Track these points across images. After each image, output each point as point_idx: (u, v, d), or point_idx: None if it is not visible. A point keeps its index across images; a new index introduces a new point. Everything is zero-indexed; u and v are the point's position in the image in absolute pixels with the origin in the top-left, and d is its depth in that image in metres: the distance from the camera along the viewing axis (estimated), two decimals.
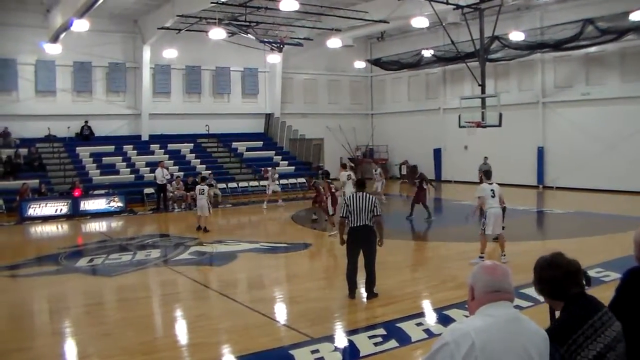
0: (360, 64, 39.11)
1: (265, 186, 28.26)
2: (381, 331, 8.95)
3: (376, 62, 38.30)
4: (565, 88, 30.25)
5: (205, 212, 19.68)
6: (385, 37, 38.81)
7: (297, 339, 8.76)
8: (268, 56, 34.79)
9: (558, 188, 29.82)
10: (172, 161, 31.28)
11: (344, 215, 10.86)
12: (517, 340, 3.07)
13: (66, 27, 25.81)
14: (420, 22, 26.78)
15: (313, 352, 8.21)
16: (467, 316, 3.32)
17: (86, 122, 31.63)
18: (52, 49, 28.80)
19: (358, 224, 10.68)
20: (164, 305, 11.60)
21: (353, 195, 10.95)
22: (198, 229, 19.57)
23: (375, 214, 10.77)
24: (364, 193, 10.96)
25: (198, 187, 20.05)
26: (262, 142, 36.45)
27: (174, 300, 11.83)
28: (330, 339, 8.78)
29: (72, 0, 24.17)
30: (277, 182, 27.77)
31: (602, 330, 3.24)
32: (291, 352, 8.24)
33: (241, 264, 14.94)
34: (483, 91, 26.85)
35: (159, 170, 26.39)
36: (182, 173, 29.01)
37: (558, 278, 3.44)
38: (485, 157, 27.20)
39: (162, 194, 26.54)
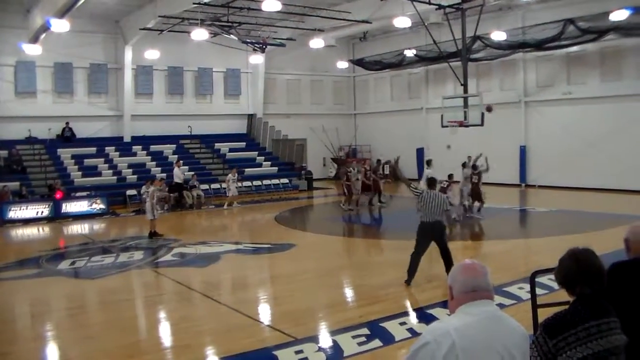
0: (343, 64, 39.14)
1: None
2: (365, 331, 8.95)
3: (359, 62, 38.35)
4: (546, 87, 30.46)
5: (149, 215, 18.78)
6: (367, 37, 38.88)
7: (281, 340, 8.74)
8: (251, 57, 34.70)
9: (540, 186, 30.02)
10: (154, 162, 31.18)
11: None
12: (498, 338, 3.07)
13: (46, 27, 25.58)
14: (402, 22, 26.84)
15: (297, 352, 8.20)
16: (449, 315, 3.31)
17: (67, 123, 31.35)
18: (32, 50, 28.50)
19: (430, 220, 11.67)
20: (147, 307, 11.53)
21: (427, 192, 11.83)
22: (150, 235, 18.85)
23: (446, 209, 11.98)
24: (436, 192, 12.25)
25: (143, 187, 19.83)
26: (244, 143, 36.35)
27: (157, 302, 11.77)
28: (314, 339, 8.77)
29: (52, 1, 23.99)
30: (236, 185, 27.30)
31: (595, 337, 3.20)
32: (275, 352, 8.22)
33: (225, 265, 14.89)
34: (465, 91, 26.91)
35: (176, 169, 27.19)
36: (164, 175, 28.87)
37: (572, 271, 3.42)
38: (469, 157, 27.22)
39: (178, 193, 26.99)
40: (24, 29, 28.52)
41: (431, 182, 12.39)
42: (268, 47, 33.05)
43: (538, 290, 4.22)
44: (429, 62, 33.72)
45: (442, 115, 27.36)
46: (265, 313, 10.83)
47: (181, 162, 28.94)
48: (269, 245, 17.33)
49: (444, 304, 9.81)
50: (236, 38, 31.07)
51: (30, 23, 28.14)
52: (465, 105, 26.19)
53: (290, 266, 14.83)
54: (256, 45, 32.76)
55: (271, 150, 36.65)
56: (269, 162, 34.58)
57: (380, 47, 37.15)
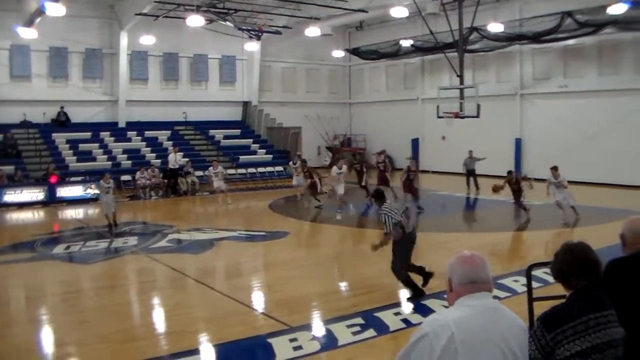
0: (338, 53, 39.07)
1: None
2: (359, 320, 8.96)
3: (355, 52, 38.26)
4: (543, 80, 30.42)
5: (112, 208, 18.27)
6: (364, 27, 38.80)
7: (275, 328, 8.76)
8: (246, 44, 34.60)
9: (536, 179, 29.95)
10: (149, 148, 31.18)
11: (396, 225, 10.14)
12: (497, 331, 3.09)
13: (41, 11, 25.44)
14: (399, 12, 26.82)
15: (291, 340, 8.21)
16: (446, 306, 3.33)
17: (62, 108, 31.28)
18: (27, 34, 28.31)
19: (411, 229, 10.51)
20: (141, 293, 11.55)
21: (391, 205, 10.52)
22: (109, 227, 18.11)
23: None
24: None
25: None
26: (239, 130, 36.32)
27: (151, 288, 11.80)
28: (308, 327, 8.81)
29: None
30: (220, 178, 24.27)
31: (594, 330, 3.20)
32: (269, 340, 8.24)
33: (219, 252, 14.92)
34: (461, 82, 26.94)
35: (171, 155, 27.20)
36: (159, 161, 28.83)
37: (566, 264, 3.43)
38: (470, 151, 27.15)
39: (173, 180, 27.07)
40: (19, 12, 28.31)
41: (380, 195, 10.84)
42: (264, 34, 32.95)
43: (534, 284, 4.25)
44: (425, 52, 33.68)
45: (437, 106, 27.41)
46: (259, 301, 10.86)
47: (178, 148, 28.86)
48: (263, 233, 17.38)
49: (438, 295, 9.86)
50: (232, 25, 30.95)
51: (24, 6, 27.94)
52: (461, 96, 26.24)
53: (285, 254, 14.87)
54: (252, 32, 32.67)
55: (266, 138, 36.61)
56: (264, 150, 34.58)
57: (377, 36, 37.06)
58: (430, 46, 31.25)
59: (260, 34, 32.61)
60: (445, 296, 3.40)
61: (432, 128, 34.16)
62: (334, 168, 21.58)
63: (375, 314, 9.24)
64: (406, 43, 33.57)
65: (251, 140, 35.62)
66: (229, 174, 29.29)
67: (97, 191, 24.98)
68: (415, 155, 36.45)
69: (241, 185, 28.81)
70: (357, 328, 8.67)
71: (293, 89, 39.46)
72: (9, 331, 9.15)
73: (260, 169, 31.79)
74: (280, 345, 8.05)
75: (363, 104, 41.03)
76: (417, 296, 10.14)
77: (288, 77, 39.42)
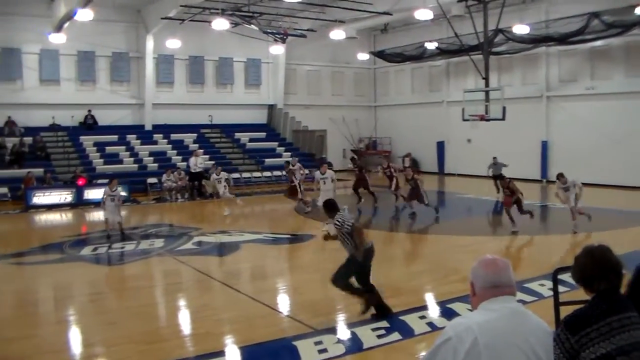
0: (363, 56, 38.99)
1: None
2: (384, 324, 8.94)
3: (379, 54, 38.18)
4: (569, 82, 30.11)
5: (117, 217, 17.43)
6: (388, 29, 38.73)
7: (301, 330, 8.77)
8: (271, 47, 34.70)
9: None
10: (175, 151, 31.37)
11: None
12: (520, 335, 3.08)
13: (70, 16, 25.80)
14: (423, 14, 26.68)
15: (316, 343, 8.22)
16: (470, 310, 3.33)
17: (89, 111, 31.67)
18: (56, 39, 28.77)
19: (370, 244, 9.57)
20: (168, 294, 11.64)
21: (344, 216, 9.59)
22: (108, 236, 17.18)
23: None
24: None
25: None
26: (265, 133, 36.47)
27: (178, 289, 11.88)
28: (333, 330, 8.79)
29: None
30: (224, 184, 22.77)
31: (618, 332, 3.17)
32: (294, 343, 8.25)
33: (245, 255, 14.98)
34: (487, 84, 26.79)
35: (192, 159, 27.29)
36: (185, 163, 29.02)
37: (588, 267, 3.41)
38: (495, 157, 26.92)
39: (195, 182, 27.22)
40: (48, 17, 28.76)
41: (330, 207, 9.82)
42: (289, 37, 33.04)
43: (560, 288, 4.23)
44: (450, 55, 33.51)
45: (463, 109, 27.27)
46: (284, 303, 10.90)
47: (201, 151, 29.03)
48: (288, 236, 17.44)
49: (463, 299, 9.81)
50: (257, 28, 31.07)
51: (54, 12, 28.36)
52: (487, 99, 26.09)
53: (310, 257, 14.91)
54: (277, 35, 32.77)
55: (291, 140, 36.71)
56: (289, 153, 34.60)
57: (401, 39, 36.95)
58: (455, 49, 31.09)
59: (285, 37, 32.68)
60: (470, 300, 3.38)
61: (457, 131, 34.01)
62: (317, 173, 20.37)
63: (400, 317, 9.22)
64: (431, 46, 33.43)
65: (277, 143, 35.72)
66: (255, 177, 29.46)
67: (123, 193, 25.28)
68: (440, 158, 36.40)
69: (266, 188, 28.88)
70: (382, 331, 8.65)
71: (318, 92, 39.48)
72: (38, 331, 9.29)
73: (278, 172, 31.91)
74: (306, 348, 8.06)
75: (388, 106, 40.92)
76: (367, 306, 9.36)
77: (313, 80, 39.46)
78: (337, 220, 9.37)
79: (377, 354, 7.98)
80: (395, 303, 9.94)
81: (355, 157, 30.22)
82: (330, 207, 9.75)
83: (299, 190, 22.01)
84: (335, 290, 11.06)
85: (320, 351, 7.98)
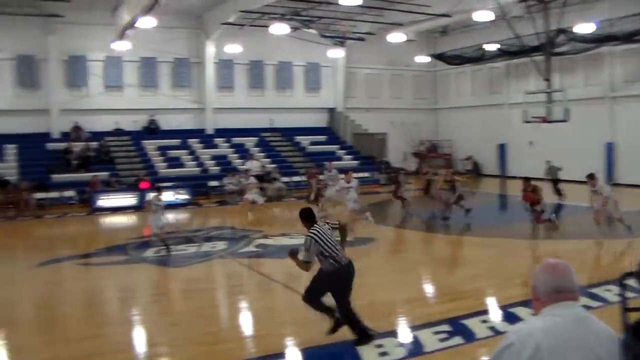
0: (422, 59, 38.67)
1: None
2: (446, 327, 8.87)
3: (439, 57, 37.85)
4: (635, 82, 29.34)
5: (163, 226, 16.01)
6: (447, 31, 38.43)
7: None
8: (330, 51, 34.78)
9: (628, 185, 29.02)
10: (236, 155, 31.69)
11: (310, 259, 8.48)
12: (585, 341, 3.02)
13: (133, 24, 26.34)
14: (483, 15, 26.32)
15: (377, 346, 8.18)
16: (533, 315, 3.28)
17: (152, 116, 32.31)
18: (120, 46, 29.45)
19: (346, 260, 8.62)
20: (229, 296, 11.76)
21: (322, 229, 8.58)
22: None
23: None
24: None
25: (152, 196, 16.81)
26: (325, 137, 36.56)
27: (239, 292, 11.99)
28: (394, 333, 8.77)
29: None
30: (253, 189, 22.40)
31: None
32: (355, 346, 8.22)
33: None
34: (548, 86, 26.35)
35: (248, 163, 27.93)
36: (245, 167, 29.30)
37: None
38: (548, 161, 26.36)
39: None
40: (112, 25, 29.41)
41: (306, 216, 8.80)
42: (348, 41, 33.08)
43: (628, 293, 4.14)
44: (511, 56, 32.99)
45: (524, 111, 26.88)
46: None
47: (256, 155, 29.21)
48: (349, 239, 17.37)
49: (526, 303, 9.64)
50: (316, 32, 31.22)
51: (117, 20, 29.00)
52: (549, 100, 25.67)
53: (371, 260, 14.85)
54: (336, 39, 32.85)
55: (352, 144, 36.71)
56: (350, 156, 34.66)
57: (461, 41, 36.56)
58: (516, 50, 30.64)
59: (344, 40, 32.75)
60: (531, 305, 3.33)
61: (518, 133, 33.47)
62: (341, 181, 19.15)
63: (462, 321, 9.12)
64: (491, 47, 33.01)
65: (337, 146, 35.77)
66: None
67: (186, 196, 25.70)
68: (502, 161, 35.91)
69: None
70: (444, 335, 8.58)
71: (378, 95, 39.35)
72: (104, 330, 9.49)
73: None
74: (367, 351, 8.03)
75: (448, 109, 40.58)
76: (335, 327, 8.51)
77: (372, 83, 39.35)
78: (310, 234, 8.35)
79: (438, 357, 7.91)
80: (456, 306, 9.88)
81: (393, 166, 29.52)
82: (306, 217, 8.75)
83: (316, 197, 21.48)
84: (396, 294, 11.06)
85: (382, 354, 7.96)
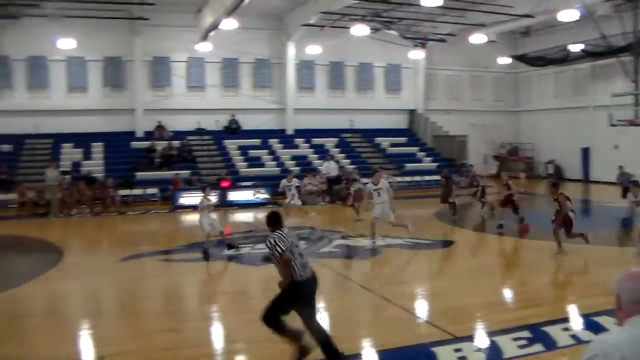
0: (504, 60, 37.96)
1: None
2: (526, 334, 8.60)
3: (521, 58, 37.17)
4: None
5: (216, 227, 16.09)
6: (530, 32, 37.59)
7: (439, 337, 8.58)
8: (411, 52, 34.55)
9: None
10: (316, 155, 31.81)
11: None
12: None
13: (215, 26, 26.82)
14: (568, 15, 25.57)
15: (456, 350, 8.04)
16: (617, 325, 3.13)
17: (233, 116, 32.82)
18: (203, 47, 30.06)
19: (308, 271, 7.92)
20: None
21: (287, 235, 7.79)
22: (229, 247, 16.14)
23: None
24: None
25: (203, 199, 16.33)
26: (405, 138, 36.37)
27: (317, 292, 11.97)
28: (473, 338, 8.57)
29: (221, 0, 25.06)
30: (293, 192, 22.15)
31: None
32: (433, 349, 8.08)
33: (384, 259, 14.95)
34: (636, 87, 25.48)
35: (326, 163, 28.27)
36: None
37: None
38: (621, 166, 25.45)
39: (334, 187, 27.70)
40: (195, 27, 30.04)
41: (272, 220, 7.94)
42: (428, 42, 32.81)
43: None
44: (596, 57, 32.09)
45: (610, 114, 26.07)
46: (423, 309, 10.77)
47: (332, 156, 29.26)
48: (428, 241, 17.19)
49: (611, 312, 9.29)
50: (397, 33, 31.07)
51: (200, 22, 29.58)
52: (636, 103, 24.83)
53: (450, 263, 14.72)
54: (417, 40, 32.62)
55: (432, 145, 36.39)
56: (430, 158, 34.35)
57: (544, 42, 35.74)
58: (602, 50, 29.79)
59: (425, 41, 32.49)
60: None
61: (604, 136, 32.44)
62: (369, 184, 17.79)
63: (543, 328, 8.82)
64: (575, 48, 32.12)
65: (417, 148, 35.56)
66: (395, 182, 29.23)
67: (266, 196, 25.93)
68: (585, 165, 34.93)
69: (407, 193, 28.76)
70: (524, 342, 8.32)
71: (458, 97, 38.92)
72: (183, 325, 9.66)
73: (427, 177, 31.59)
74: (445, 355, 7.90)
75: (530, 111, 39.77)
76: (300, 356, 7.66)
77: (453, 84, 38.95)
78: (270, 240, 7.59)
79: None
80: (535, 313, 9.62)
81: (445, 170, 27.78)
82: (272, 220, 7.92)
83: (353, 202, 21.51)
84: (474, 298, 10.85)
85: (460, 358, 7.83)
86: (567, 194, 15.07)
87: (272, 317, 7.64)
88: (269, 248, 7.59)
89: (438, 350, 8.04)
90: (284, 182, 22.42)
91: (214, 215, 16.53)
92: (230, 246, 15.84)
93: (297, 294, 7.62)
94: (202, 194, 16.71)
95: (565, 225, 14.35)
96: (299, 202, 22.62)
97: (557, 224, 14.42)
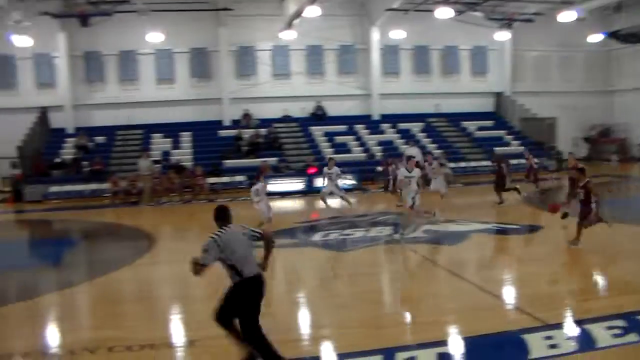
0: (595, 38, 36.65)
1: None
2: (620, 322, 8.31)
3: (613, 35, 35.83)
4: None
5: (267, 213, 16.17)
6: (622, 8, 36.16)
7: (529, 324, 8.44)
8: (497, 33, 33.88)
9: None
10: (402, 140, 31.71)
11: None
12: None
13: (299, 13, 27.01)
14: None
15: (546, 338, 7.87)
16: None
17: (319, 102, 33.03)
18: (287, 35, 30.34)
19: (253, 272, 7.32)
20: (395, 281, 11.82)
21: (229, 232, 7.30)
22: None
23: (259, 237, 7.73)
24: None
25: (253, 188, 16.53)
26: (492, 122, 35.76)
27: (405, 277, 12.03)
28: (563, 326, 8.40)
29: None
30: (335, 181, 20.38)
31: None
32: (523, 336, 7.95)
33: (472, 244, 14.80)
34: None
35: (409, 149, 27.33)
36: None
37: None
38: None
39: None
40: (278, 15, 30.33)
41: (221, 215, 7.44)
42: (515, 22, 32.09)
43: None
44: None
45: None
46: (511, 295, 10.61)
47: (412, 143, 28.96)
48: (516, 226, 16.95)
49: None
50: (482, 15, 30.54)
51: (284, 10, 29.85)
52: None
53: (538, 248, 14.43)
54: (503, 21, 31.96)
55: (520, 129, 35.66)
56: (518, 141, 33.68)
57: (638, 17, 34.38)
58: None
59: (511, 22, 31.80)
60: None
61: None
62: (402, 169, 16.94)
63: (639, 317, 8.54)
64: None
65: (504, 131, 34.93)
66: (482, 166, 28.91)
67: (352, 182, 26.00)
68: None
69: (493, 177, 28.36)
70: (618, 331, 8.07)
71: (547, 78, 37.89)
72: (273, 309, 9.80)
73: (514, 161, 30.97)
74: (535, 342, 7.75)
75: (623, 91, 38.31)
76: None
77: (541, 65, 37.92)
78: (213, 235, 7.17)
79: (611, 354, 7.48)
80: (630, 301, 9.28)
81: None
82: (216, 215, 7.47)
83: (394, 188, 20.60)
84: (565, 284, 10.66)
85: (551, 346, 7.66)
86: None
87: (222, 316, 7.27)
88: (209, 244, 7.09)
89: (528, 337, 7.91)
90: (325, 169, 20.68)
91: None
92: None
93: (238, 293, 7.20)
94: (258, 181, 16.90)
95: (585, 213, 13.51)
96: (339, 192, 20.44)
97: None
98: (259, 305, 7.20)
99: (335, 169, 20.18)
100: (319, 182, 25.71)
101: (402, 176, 16.27)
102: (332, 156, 23.63)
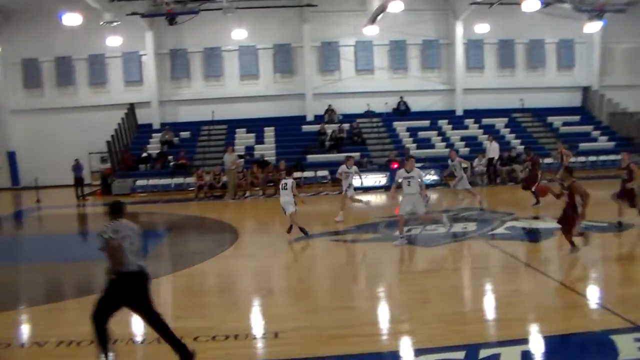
0: None
1: None
2: None
3: None
4: None
5: (290, 208, 15.66)
6: None
7: (618, 325, 8.16)
8: (585, 26, 32.96)
9: None
10: (486, 136, 31.28)
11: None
12: None
13: (383, 9, 27.02)
14: None
15: (637, 340, 7.60)
16: None
17: (402, 97, 32.98)
18: (370, 31, 30.35)
19: (133, 267, 7.20)
20: (478, 277, 11.70)
21: (118, 225, 7.27)
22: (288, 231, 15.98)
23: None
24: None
25: (282, 181, 16.06)
26: (579, 117, 34.92)
27: (488, 273, 11.90)
28: None
29: None
30: (351, 179, 19.22)
31: None
32: (611, 337, 7.70)
33: (558, 242, 14.49)
34: None
35: (488, 145, 27.82)
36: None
37: None
38: None
39: (494, 168, 27.61)
40: (361, 11, 30.43)
41: (114, 209, 7.51)
42: (605, 14, 31.17)
43: None
44: None
45: None
46: (599, 294, 10.29)
47: (492, 137, 28.65)
48: (604, 224, 16.51)
49: None
50: (570, 6, 29.80)
51: (367, 6, 29.91)
52: None
53: (627, 247, 14.08)
54: (592, 12, 31.10)
55: (608, 124, 34.67)
56: (605, 137, 32.79)
57: None
58: None
59: (601, 13, 30.90)
60: None
61: None
62: (400, 171, 14.88)
63: None
64: None
65: (591, 127, 34.04)
66: (570, 162, 28.18)
67: (435, 177, 25.89)
68: None
69: (582, 174, 27.72)
70: None
71: (638, 71, 36.58)
72: (354, 303, 9.98)
73: (602, 157, 30.20)
74: (624, 344, 7.50)
75: None
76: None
77: (633, 58, 36.65)
78: (103, 229, 7.11)
79: None
80: None
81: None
82: (112, 209, 7.53)
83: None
84: None
85: None
86: None
87: (97, 314, 7.09)
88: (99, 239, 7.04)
89: (616, 338, 7.67)
90: (343, 167, 19.26)
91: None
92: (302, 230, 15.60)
93: (118, 288, 7.10)
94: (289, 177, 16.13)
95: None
96: (351, 193, 19.27)
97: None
98: (144, 301, 7.24)
99: (354, 168, 19.30)
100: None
101: (399, 178, 14.61)
102: (350, 154, 22.39)
